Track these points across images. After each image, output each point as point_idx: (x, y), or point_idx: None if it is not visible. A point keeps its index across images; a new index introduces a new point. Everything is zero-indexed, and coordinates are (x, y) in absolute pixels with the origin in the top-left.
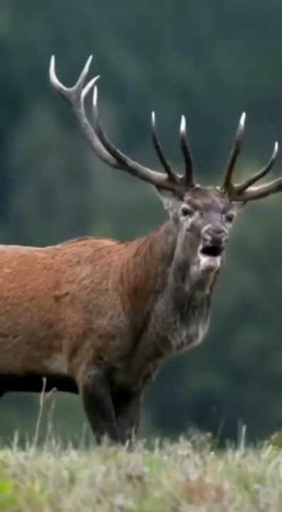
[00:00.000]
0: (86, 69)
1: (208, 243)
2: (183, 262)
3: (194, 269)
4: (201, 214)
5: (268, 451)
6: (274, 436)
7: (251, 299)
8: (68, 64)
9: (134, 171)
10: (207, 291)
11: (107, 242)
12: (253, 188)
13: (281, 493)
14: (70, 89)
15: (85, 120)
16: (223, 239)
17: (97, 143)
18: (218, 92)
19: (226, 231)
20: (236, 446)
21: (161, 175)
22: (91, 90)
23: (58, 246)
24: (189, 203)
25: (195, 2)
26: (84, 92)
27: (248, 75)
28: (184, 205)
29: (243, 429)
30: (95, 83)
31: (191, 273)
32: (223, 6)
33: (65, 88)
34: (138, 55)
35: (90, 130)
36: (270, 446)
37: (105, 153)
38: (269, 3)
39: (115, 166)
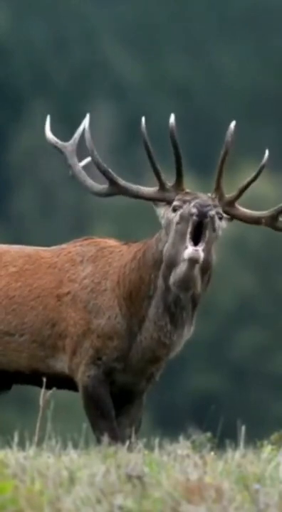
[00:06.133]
0: (82, 127)
1: (194, 217)
2: (171, 258)
3: (181, 267)
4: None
5: (267, 451)
6: (273, 436)
7: (250, 299)
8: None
9: (125, 190)
10: (192, 292)
11: (111, 242)
12: (246, 210)
13: (281, 493)
14: (65, 143)
15: (78, 167)
16: (210, 213)
17: (89, 182)
18: (218, 93)
19: (214, 210)
20: (236, 446)
21: (152, 189)
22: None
23: (64, 246)
24: (178, 200)
25: (195, 2)
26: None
27: (248, 75)
28: (174, 203)
29: (243, 429)
30: (94, 84)
31: (177, 271)
32: (223, 6)
33: (60, 142)
34: (138, 55)
35: (84, 175)
36: (270, 446)
37: (97, 187)
38: (269, 4)
39: (107, 194)
